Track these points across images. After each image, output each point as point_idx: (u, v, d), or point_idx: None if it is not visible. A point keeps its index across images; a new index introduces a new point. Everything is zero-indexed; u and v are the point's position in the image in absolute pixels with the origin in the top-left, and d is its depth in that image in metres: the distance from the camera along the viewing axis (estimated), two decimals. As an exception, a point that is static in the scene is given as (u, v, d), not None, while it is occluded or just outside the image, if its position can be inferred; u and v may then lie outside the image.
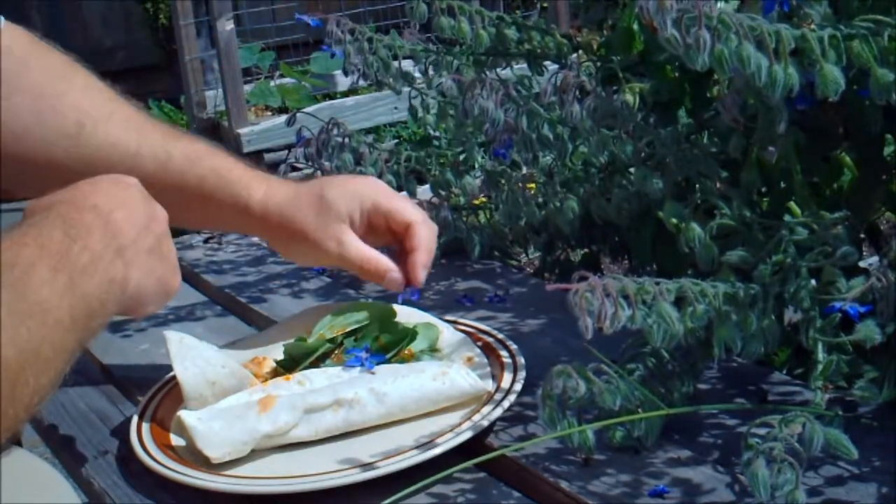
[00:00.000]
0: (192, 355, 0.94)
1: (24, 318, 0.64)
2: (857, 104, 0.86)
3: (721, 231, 0.90)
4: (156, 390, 0.99)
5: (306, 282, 1.30)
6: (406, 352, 0.99)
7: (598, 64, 1.16)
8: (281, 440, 0.88)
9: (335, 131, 1.26)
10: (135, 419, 0.94)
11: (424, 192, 1.29)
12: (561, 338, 1.04)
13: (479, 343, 1.00)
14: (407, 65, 1.23)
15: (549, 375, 0.79)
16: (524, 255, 1.44)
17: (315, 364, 0.98)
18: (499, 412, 0.88)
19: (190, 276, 1.35)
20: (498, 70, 1.23)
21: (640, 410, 0.81)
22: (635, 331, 0.75)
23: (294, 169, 2.60)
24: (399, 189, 1.27)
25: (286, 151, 3.18)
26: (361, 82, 1.23)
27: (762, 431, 0.74)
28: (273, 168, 1.25)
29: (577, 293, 0.71)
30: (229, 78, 3.22)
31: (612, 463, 0.82)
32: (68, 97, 0.97)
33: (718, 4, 0.78)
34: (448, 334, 1.02)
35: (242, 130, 3.19)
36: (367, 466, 0.83)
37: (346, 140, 1.26)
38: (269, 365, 1.00)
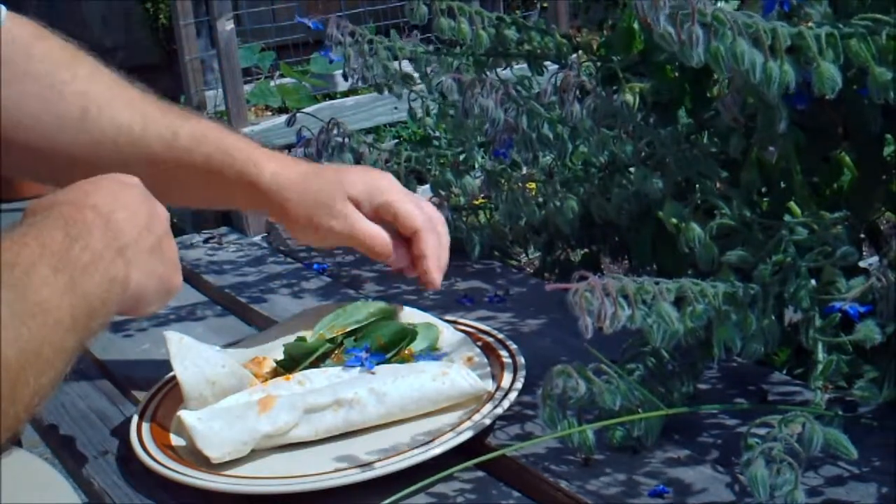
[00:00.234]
0: (191, 355, 0.94)
1: (24, 319, 0.64)
2: (857, 103, 0.86)
3: (721, 231, 0.90)
4: (156, 390, 0.99)
5: (306, 282, 1.30)
6: (406, 352, 0.99)
7: (598, 64, 1.16)
8: (281, 440, 0.88)
9: (335, 131, 1.26)
10: (135, 419, 0.94)
11: (424, 191, 1.29)
12: (561, 338, 1.04)
13: (479, 343, 1.00)
14: (407, 66, 1.23)
15: (549, 375, 0.79)
16: (524, 255, 1.44)
17: (315, 364, 0.98)
18: (499, 412, 0.88)
19: (190, 276, 1.35)
20: (498, 70, 1.23)
21: (639, 410, 0.81)
22: (635, 331, 0.75)
23: (294, 169, 2.58)
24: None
25: (286, 151, 3.18)
26: (361, 84, 1.23)
27: (762, 431, 0.74)
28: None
29: (577, 293, 0.71)
30: (229, 78, 3.21)
31: (611, 463, 0.82)
32: (73, 84, 0.97)
33: (718, 4, 0.78)
34: (448, 334, 1.02)
35: (242, 130, 3.19)
36: (366, 466, 0.83)
37: (346, 140, 1.26)
38: (269, 365, 1.00)
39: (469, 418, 0.87)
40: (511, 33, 1.20)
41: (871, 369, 0.79)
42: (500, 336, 1.01)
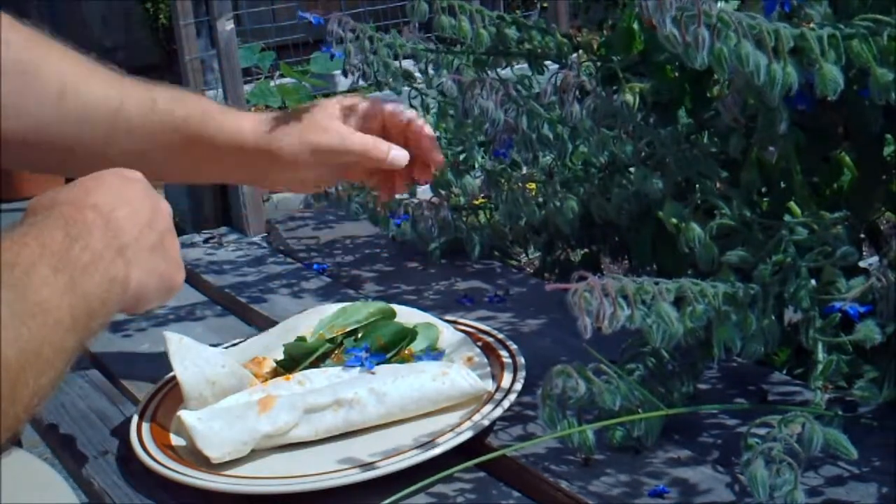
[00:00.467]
0: (191, 355, 0.94)
1: (24, 319, 0.64)
2: (857, 104, 0.86)
3: (721, 231, 0.90)
4: (156, 390, 0.99)
5: (306, 282, 1.30)
6: (406, 352, 0.99)
7: (598, 64, 1.16)
8: (281, 440, 0.88)
9: (335, 131, 1.26)
10: (135, 419, 0.94)
11: (424, 192, 1.29)
12: (561, 338, 1.04)
13: (479, 343, 1.00)
14: (407, 64, 1.23)
15: (548, 375, 0.78)
16: (524, 255, 1.44)
17: (315, 364, 0.98)
18: (499, 412, 0.88)
19: (190, 276, 1.35)
20: (498, 70, 1.23)
21: (639, 410, 0.81)
22: (635, 331, 0.75)
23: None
24: (399, 189, 1.27)
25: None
26: (361, 82, 1.23)
27: (762, 431, 0.74)
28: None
29: (576, 293, 0.71)
30: (229, 78, 3.21)
31: (611, 463, 0.82)
32: (47, 66, 0.97)
33: (718, 4, 0.78)
34: (448, 334, 1.02)
35: (242, 130, 3.19)
36: (367, 466, 0.83)
37: (346, 140, 1.26)
38: (269, 365, 1.00)
39: (469, 418, 0.87)
40: (511, 32, 1.19)
41: (871, 369, 0.79)
42: (500, 336, 1.01)
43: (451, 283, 1.24)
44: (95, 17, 4.97)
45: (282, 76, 3.77)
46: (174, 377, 0.94)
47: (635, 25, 1.13)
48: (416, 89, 1.28)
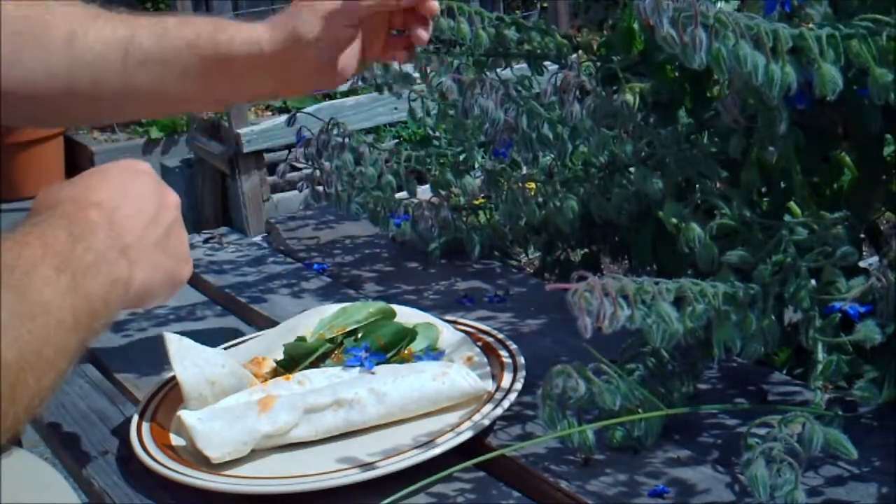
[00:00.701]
0: (191, 355, 0.94)
1: (25, 320, 0.64)
2: (857, 104, 0.86)
3: (721, 231, 0.90)
4: (156, 390, 0.99)
5: (306, 282, 1.30)
6: (406, 352, 0.99)
7: (598, 64, 1.16)
8: (281, 440, 0.88)
9: (335, 131, 1.26)
10: (135, 419, 0.94)
11: (424, 191, 1.29)
12: (561, 338, 1.04)
13: (479, 343, 1.00)
14: (406, 66, 1.23)
15: (548, 375, 0.79)
16: (524, 255, 1.44)
17: (315, 364, 0.98)
18: (499, 412, 0.88)
19: (190, 275, 1.35)
20: (498, 70, 1.23)
21: (639, 410, 0.81)
22: (635, 331, 0.75)
23: (294, 169, 2.60)
24: (399, 189, 1.27)
25: (286, 151, 3.18)
26: (361, 83, 1.23)
27: (762, 431, 0.74)
28: (273, 168, 1.25)
29: (576, 293, 0.71)
30: (229, 78, 3.22)
31: (611, 463, 0.82)
32: (54, 15, 0.96)
33: (718, 4, 0.78)
34: (448, 334, 1.02)
35: (242, 130, 3.19)
36: (366, 466, 0.83)
37: (346, 140, 1.26)
38: (269, 365, 1.00)
39: (469, 418, 0.87)
40: (511, 33, 1.20)
41: (871, 369, 0.79)
42: (500, 336, 1.01)
43: (451, 283, 1.24)
44: (95, 17, 4.97)
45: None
46: (174, 377, 0.94)
47: (635, 25, 1.13)
48: (416, 91, 1.28)
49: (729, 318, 0.79)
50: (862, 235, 0.99)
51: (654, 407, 0.81)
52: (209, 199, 3.65)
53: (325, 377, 0.94)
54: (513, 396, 0.89)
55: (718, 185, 0.95)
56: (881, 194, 0.98)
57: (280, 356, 0.99)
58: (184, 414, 0.89)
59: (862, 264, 0.89)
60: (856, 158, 0.96)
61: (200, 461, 0.86)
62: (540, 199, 1.15)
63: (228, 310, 1.26)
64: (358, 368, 0.95)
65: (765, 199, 0.99)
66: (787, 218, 0.89)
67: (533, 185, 1.16)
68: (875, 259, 0.95)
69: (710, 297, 0.79)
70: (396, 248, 1.37)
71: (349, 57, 1.01)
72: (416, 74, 1.24)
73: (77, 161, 4.33)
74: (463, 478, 0.83)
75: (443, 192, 1.28)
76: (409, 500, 0.79)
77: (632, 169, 1.04)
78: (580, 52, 1.21)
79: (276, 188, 3.33)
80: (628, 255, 1.26)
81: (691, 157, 0.98)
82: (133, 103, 0.98)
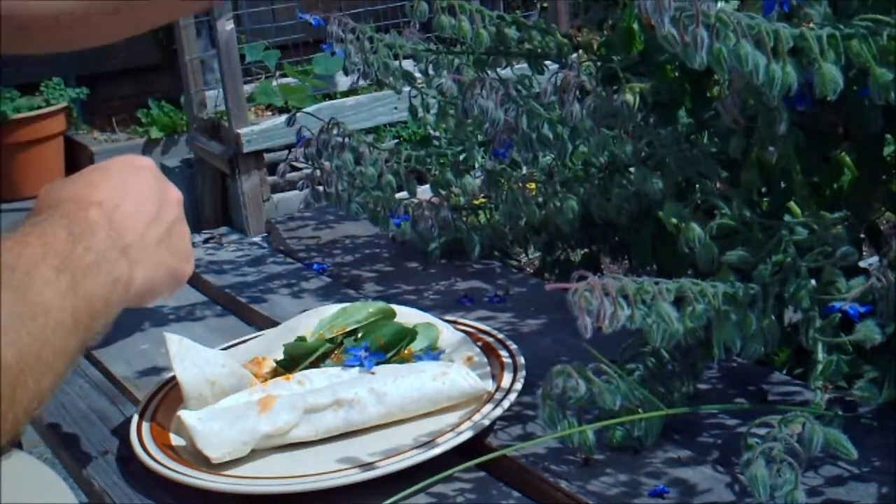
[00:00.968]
0: (191, 355, 0.94)
1: (25, 321, 0.64)
2: (857, 104, 0.86)
3: (721, 231, 0.90)
4: (156, 390, 0.99)
5: (306, 282, 1.30)
6: (406, 352, 0.99)
7: (599, 64, 1.16)
8: (281, 440, 0.88)
9: (335, 131, 1.26)
10: (135, 419, 0.94)
11: (424, 192, 1.29)
12: (561, 338, 1.04)
13: (479, 343, 1.00)
14: (407, 64, 1.23)
15: (548, 375, 0.79)
16: (524, 255, 1.44)
17: (315, 364, 0.98)
18: (499, 412, 0.88)
19: (190, 275, 1.35)
20: (498, 70, 1.23)
21: (639, 410, 0.81)
22: (635, 331, 0.75)
23: (294, 169, 2.60)
24: (399, 189, 1.27)
25: (286, 151, 3.18)
26: (361, 82, 1.23)
27: (762, 431, 0.74)
28: (273, 168, 1.25)
29: (576, 293, 0.71)
30: (229, 78, 3.22)
31: (611, 463, 0.82)
32: None
33: (718, 4, 0.78)
34: (448, 334, 1.02)
35: (242, 130, 3.19)
36: (367, 466, 0.83)
37: (346, 140, 1.26)
38: (269, 365, 1.00)
39: (469, 418, 0.87)
40: (511, 32, 1.20)
41: (871, 369, 0.79)
42: (500, 336, 1.01)
43: (451, 283, 1.24)
44: (95, 17, 4.96)
45: (283, 76, 3.77)
46: (174, 377, 0.94)
47: (635, 25, 1.13)
48: (417, 89, 1.28)
49: (729, 318, 0.79)
50: (862, 235, 0.99)
51: (654, 407, 0.81)
52: (209, 199, 3.66)
53: (325, 377, 0.94)
54: (513, 396, 0.89)
55: (718, 185, 0.95)
56: (881, 194, 0.98)
57: (280, 356, 0.99)
58: (184, 414, 0.88)
59: (862, 264, 0.89)
60: (856, 158, 0.96)
61: (200, 461, 0.86)
62: (540, 199, 1.15)
63: (228, 310, 1.26)
64: (358, 368, 0.95)
65: (765, 199, 0.99)
66: (787, 218, 0.89)
67: (533, 185, 1.16)
68: (875, 259, 0.95)
69: (710, 297, 0.79)
70: (396, 248, 1.37)
71: None
72: (417, 74, 1.24)
73: (77, 161, 4.33)
74: (463, 478, 0.83)
75: (443, 192, 1.28)
76: (409, 500, 0.79)
77: (632, 169, 1.04)
78: (580, 51, 1.21)
79: (276, 188, 3.33)
80: (628, 255, 1.26)
81: (691, 157, 0.98)
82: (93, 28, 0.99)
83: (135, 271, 0.77)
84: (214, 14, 3.19)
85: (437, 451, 0.83)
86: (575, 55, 1.20)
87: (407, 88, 1.25)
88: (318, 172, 1.27)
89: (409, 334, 1.00)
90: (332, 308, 1.05)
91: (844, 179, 0.97)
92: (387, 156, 1.27)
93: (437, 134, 1.36)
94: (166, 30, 4.34)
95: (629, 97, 1.02)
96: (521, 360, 0.95)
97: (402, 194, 1.27)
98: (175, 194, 0.84)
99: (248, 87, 3.55)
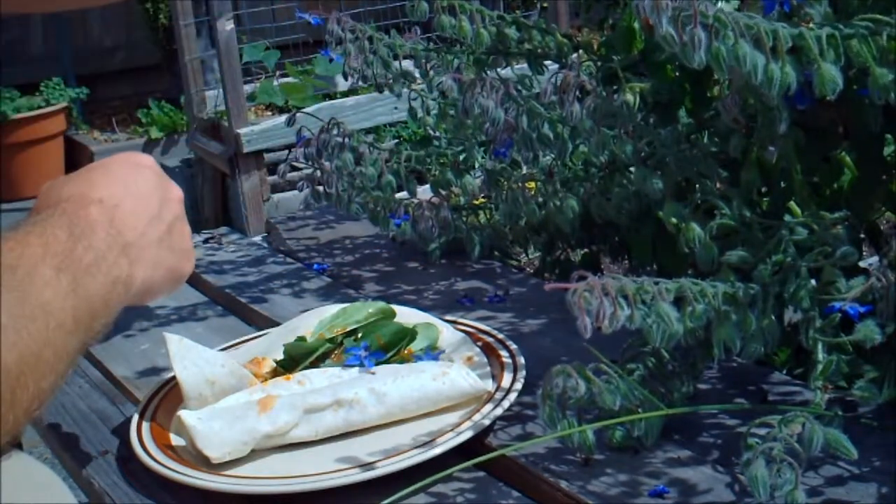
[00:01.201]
0: (191, 355, 0.94)
1: (25, 322, 0.64)
2: (857, 104, 0.86)
3: (721, 231, 0.90)
4: (156, 390, 0.99)
5: (306, 282, 1.30)
6: (406, 352, 0.99)
7: (599, 63, 1.16)
8: (281, 440, 0.88)
9: (335, 131, 1.26)
10: (135, 419, 0.94)
11: (424, 191, 1.29)
12: (561, 338, 1.04)
13: (479, 343, 1.00)
14: (407, 64, 1.23)
15: (548, 375, 0.78)
16: (524, 255, 1.44)
17: (315, 364, 0.98)
18: (499, 412, 0.88)
19: (190, 276, 1.35)
20: (498, 69, 1.23)
21: (639, 410, 0.81)
22: (635, 331, 0.75)
23: (294, 169, 2.60)
24: (399, 189, 1.27)
25: (286, 151, 3.18)
26: (361, 83, 1.23)
27: (762, 431, 0.74)
28: (273, 168, 1.25)
29: (576, 292, 0.71)
30: (229, 78, 3.22)
31: (611, 463, 0.82)
32: None
33: (718, 4, 0.78)
34: (448, 334, 1.02)
35: (242, 130, 3.19)
36: (366, 466, 0.83)
37: (346, 140, 1.26)
38: (269, 365, 1.00)
39: (469, 418, 0.87)
40: (512, 32, 1.20)
41: (871, 369, 0.79)
42: (500, 336, 1.01)
43: (451, 283, 1.24)
44: (95, 16, 4.97)
45: (283, 75, 3.78)
46: (174, 377, 0.94)
47: (636, 25, 1.13)
48: (416, 91, 1.28)
49: (729, 318, 0.79)
50: (862, 235, 0.99)
51: (654, 407, 0.81)
52: (209, 199, 3.66)
53: (325, 377, 0.94)
54: (513, 396, 0.89)
55: (718, 185, 0.95)
56: (881, 194, 0.98)
57: (280, 356, 0.99)
58: (184, 414, 0.88)
59: (862, 264, 0.89)
60: (856, 158, 0.96)
61: (200, 461, 0.86)
62: (540, 199, 1.15)
63: (229, 310, 1.26)
64: (358, 368, 0.95)
65: (765, 199, 0.99)
66: (787, 218, 0.89)
67: (533, 184, 1.16)
68: (875, 259, 0.95)
69: (710, 297, 0.79)
70: (396, 248, 1.37)
71: None
72: (417, 74, 1.24)
73: (77, 161, 4.33)
74: (463, 478, 0.83)
75: (443, 192, 1.28)
76: (409, 500, 0.79)
77: (632, 169, 1.04)
78: (580, 51, 1.21)
79: (276, 188, 3.34)
80: (628, 255, 1.26)
81: (691, 157, 0.98)
82: None
83: (135, 270, 0.77)
84: (214, 14, 3.19)
85: (436, 451, 0.83)
86: (575, 55, 1.20)
87: (406, 90, 1.25)
88: (318, 172, 1.27)
89: (409, 334, 1.00)
90: (332, 308, 1.05)
91: (844, 179, 0.97)
92: (387, 156, 1.27)
93: (437, 134, 1.36)
94: (166, 30, 4.34)
95: (629, 97, 1.02)
96: (521, 360, 0.95)
97: (402, 194, 1.27)
98: (176, 192, 0.84)
99: (248, 87, 3.55)
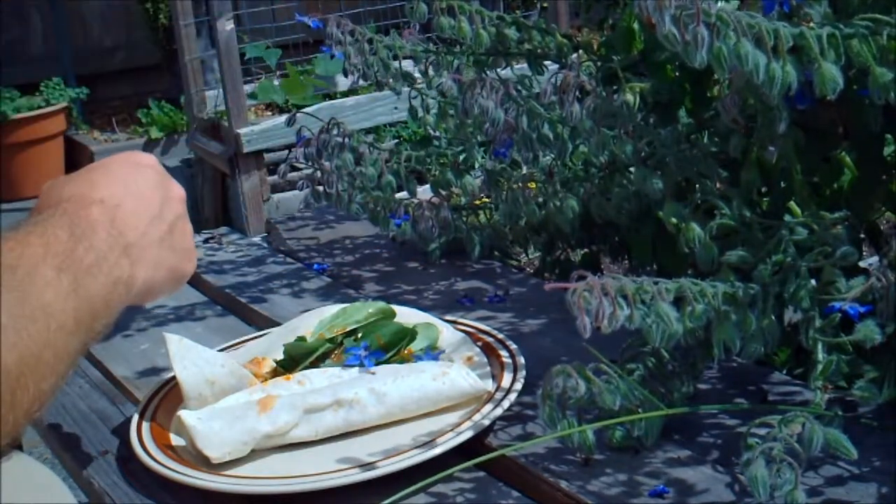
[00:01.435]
0: (191, 355, 0.94)
1: (26, 323, 0.63)
2: (857, 103, 0.86)
3: (721, 231, 0.90)
4: (156, 390, 0.99)
5: (306, 282, 1.30)
6: (406, 351, 0.99)
7: (599, 64, 1.16)
8: (281, 440, 0.88)
9: (335, 131, 1.26)
10: (135, 419, 0.94)
11: (424, 191, 1.29)
12: (561, 338, 1.04)
13: (479, 343, 1.00)
14: (407, 65, 1.23)
15: (548, 375, 0.78)
16: (524, 255, 1.44)
17: (315, 364, 0.98)
18: (499, 412, 0.88)
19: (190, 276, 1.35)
20: (498, 70, 1.23)
21: (639, 410, 0.81)
22: (635, 331, 0.75)
23: (294, 169, 2.60)
24: (399, 189, 1.27)
25: (286, 151, 3.18)
26: (361, 82, 1.23)
27: (762, 431, 0.74)
28: (273, 168, 1.25)
29: (576, 292, 0.71)
30: (229, 78, 3.22)
31: (611, 463, 0.82)
32: None
33: (718, 3, 0.78)
34: (448, 334, 1.02)
35: (242, 130, 3.19)
36: (367, 466, 0.83)
37: (346, 140, 1.26)
38: (269, 365, 1.00)
39: (469, 418, 0.87)
40: (511, 32, 1.20)
41: (871, 369, 0.79)
42: (500, 336, 1.01)
43: (451, 283, 1.24)
44: (95, 16, 4.97)
45: (283, 75, 3.77)
46: (174, 377, 0.94)
47: (636, 25, 1.13)
48: (417, 90, 1.28)
49: (729, 318, 0.79)
50: (862, 235, 0.99)
51: (654, 407, 0.81)
52: (209, 199, 3.66)
53: (325, 377, 0.94)
54: (513, 396, 0.89)
55: (718, 185, 0.95)
56: (881, 194, 0.98)
57: (280, 356, 0.99)
58: (184, 414, 0.88)
59: (862, 264, 0.89)
60: (856, 158, 0.96)
61: (200, 461, 0.86)
62: (540, 199, 1.15)
63: (229, 310, 1.26)
64: (358, 368, 0.95)
65: (765, 199, 0.99)
66: (787, 218, 0.89)
67: (533, 184, 1.16)
68: (875, 259, 0.95)
69: (710, 297, 0.79)
70: (396, 248, 1.37)
71: None
72: (417, 74, 1.24)
73: (77, 161, 4.33)
74: (463, 478, 0.83)
75: (443, 192, 1.28)
76: (409, 500, 0.79)
77: (632, 169, 1.04)
78: (580, 51, 1.21)
79: (276, 188, 3.33)
80: (628, 255, 1.26)
81: (691, 157, 0.98)
82: None
83: (136, 270, 0.76)
84: (214, 14, 3.19)
85: (436, 451, 0.83)
86: (575, 55, 1.20)
87: (407, 89, 1.25)
88: (318, 172, 1.27)
89: (409, 334, 1.00)
90: (332, 308, 1.05)
91: (844, 179, 0.97)
92: (387, 156, 1.27)
93: (437, 134, 1.36)
94: (166, 30, 4.34)
95: (629, 97, 1.02)
96: (521, 360, 0.95)
97: (402, 194, 1.27)
98: (178, 191, 0.84)
99: (247, 87, 3.55)
